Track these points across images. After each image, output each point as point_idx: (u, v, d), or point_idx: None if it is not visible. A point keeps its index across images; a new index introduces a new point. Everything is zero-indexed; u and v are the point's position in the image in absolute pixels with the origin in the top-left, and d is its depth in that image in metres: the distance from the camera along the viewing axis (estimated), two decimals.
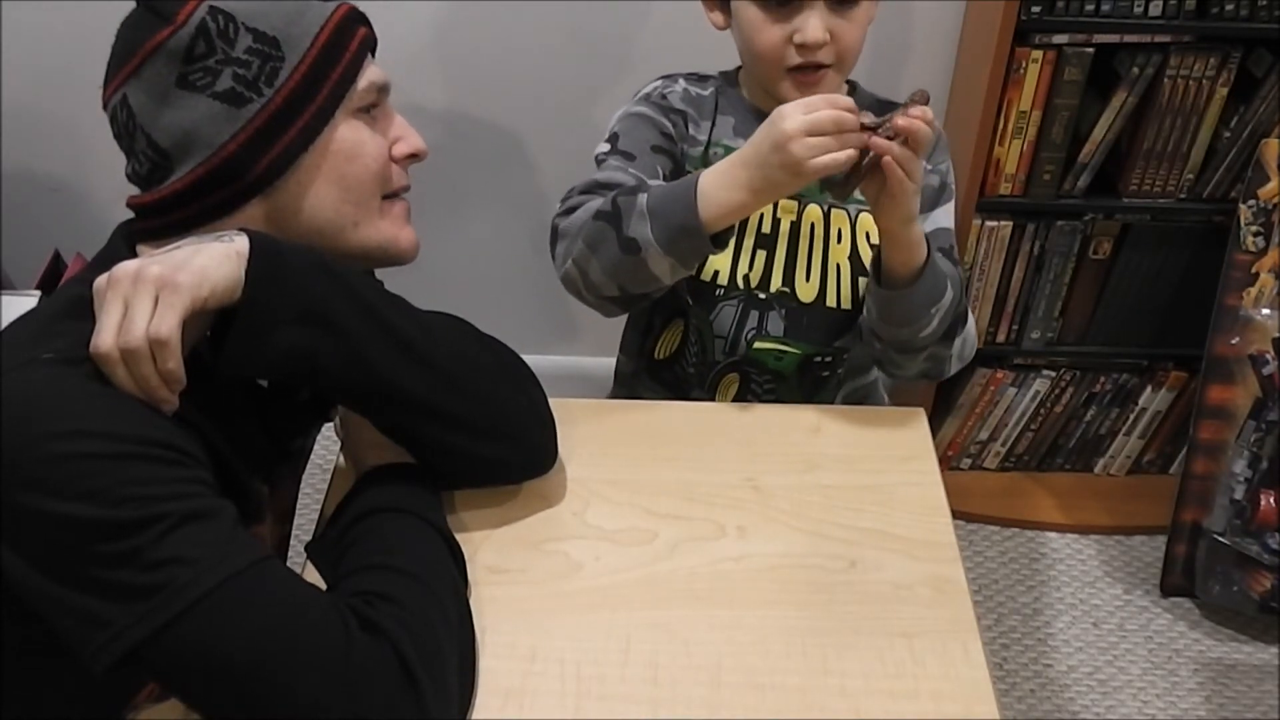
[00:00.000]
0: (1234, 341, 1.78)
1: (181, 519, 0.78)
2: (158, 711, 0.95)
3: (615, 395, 1.45)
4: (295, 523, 1.17)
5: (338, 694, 0.78)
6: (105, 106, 0.96)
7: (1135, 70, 1.68)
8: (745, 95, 1.29)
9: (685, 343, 1.32)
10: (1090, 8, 1.63)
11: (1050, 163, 1.77)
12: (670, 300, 1.27)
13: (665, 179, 1.22)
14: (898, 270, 1.12)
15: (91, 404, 0.80)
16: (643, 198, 1.10)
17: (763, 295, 1.26)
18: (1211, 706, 1.79)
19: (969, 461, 2.16)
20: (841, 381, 1.34)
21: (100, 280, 0.83)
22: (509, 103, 1.93)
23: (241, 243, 0.86)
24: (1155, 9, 1.63)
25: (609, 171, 1.20)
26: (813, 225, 1.26)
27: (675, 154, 1.25)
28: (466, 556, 0.97)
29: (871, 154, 1.02)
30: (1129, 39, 1.68)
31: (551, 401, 1.05)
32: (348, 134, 0.97)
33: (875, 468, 1.12)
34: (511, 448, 1.03)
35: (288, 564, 0.98)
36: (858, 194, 1.08)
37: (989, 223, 1.85)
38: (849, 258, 1.26)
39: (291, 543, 1.16)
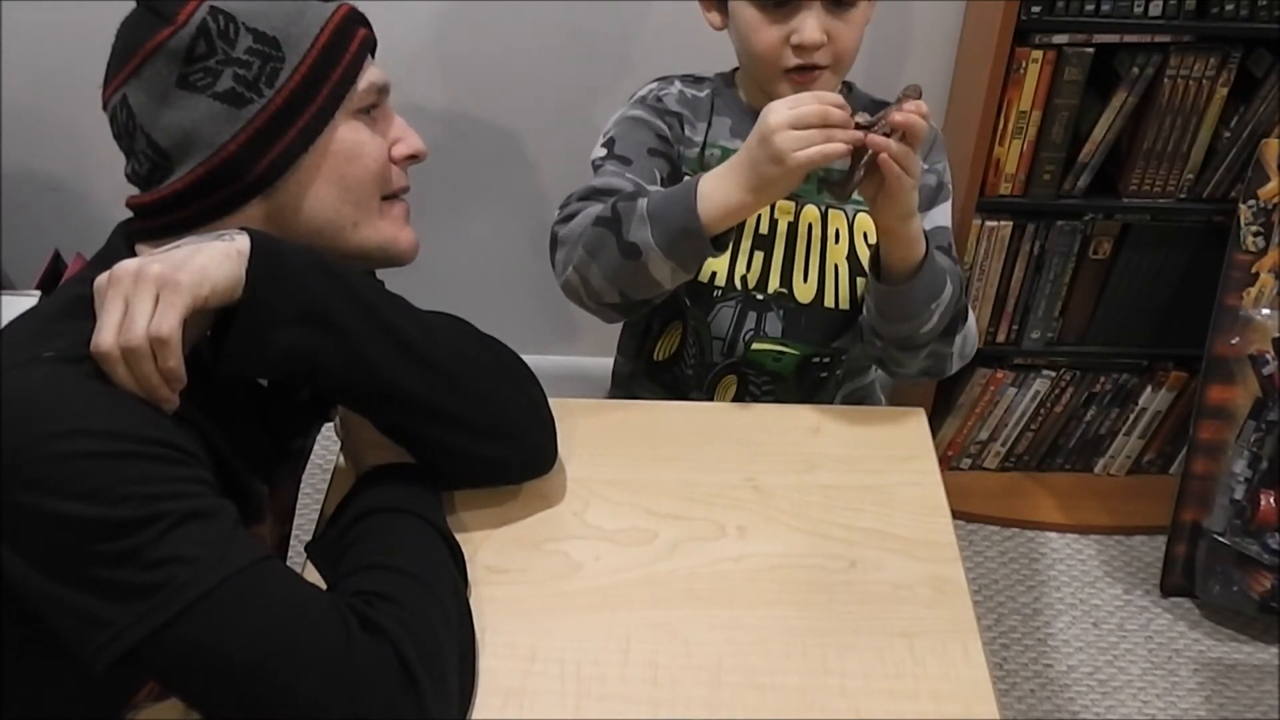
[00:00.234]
0: (1234, 341, 1.78)
1: (182, 518, 0.78)
2: (157, 711, 0.95)
3: (613, 397, 1.45)
4: (295, 523, 1.17)
5: (338, 693, 0.78)
6: (105, 106, 0.96)
7: (1135, 70, 1.68)
8: (742, 96, 1.29)
9: (683, 345, 1.32)
10: (1090, 8, 1.63)
11: (1050, 163, 1.77)
12: (668, 302, 1.27)
13: (662, 182, 1.22)
14: (897, 266, 1.12)
15: (92, 403, 0.80)
16: (643, 202, 1.10)
17: (760, 296, 1.26)
18: (1211, 706, 1.79)
19: (969, 461, 2.16)
20: (840, 383, 1.34)
21: (101, 279, 0.83)
22: (509, 103, 1.93)
23: (242, 242, 0.86)
24: (1155, 9, 1.63)
25: (606, 177, 1.20)
26: (810, 226, 1.26)
27: (672, 156, 1.25)
28: (466, 556, 0.97)
29: (870, 152, 1.02)
30: (1129, 39, 1.68)
31: (551, 401, 1.05)
32: (347, 135, 0.97)
33: (875, 468, 1.12)
34: (511, 448, 1.03)
35: (288, 564, 0.98)
36: (856, 194, 1.08)
37: (989, 223, 1.85)
38: (847, 258, 1.26)
39: (291, 543, 1.16)
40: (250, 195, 0.94)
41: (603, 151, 1.24)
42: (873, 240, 1.25)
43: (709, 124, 1.27)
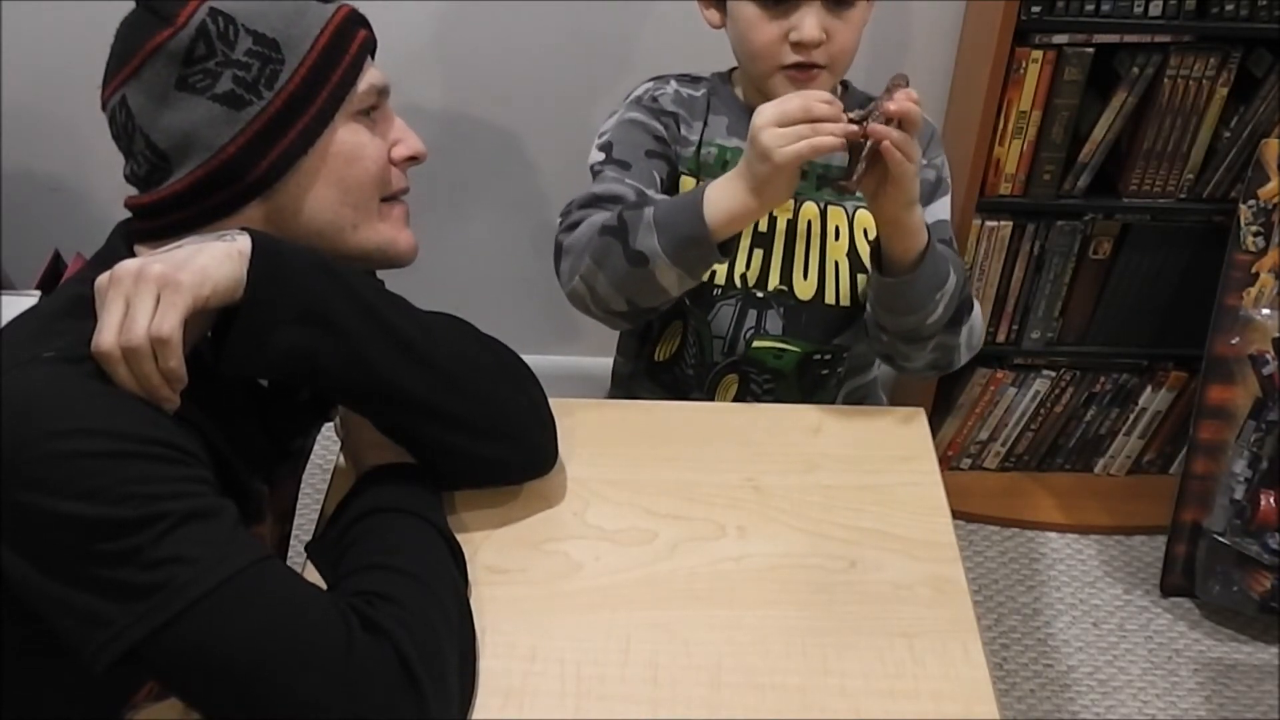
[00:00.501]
0: (1234, 341, 1.78)
1: (182, 518, 0.78)
2: (157, 710, 0.95)
3: (613, 397, 1.45)
4: (295, 523, 1.17)
5: (338, 693, 0.78)
6: (104, 107, 0.96)
7: (1135, 70, 1.68)
8: (739, 95, 1.29)
9: (684, 345, 1.32)
10: (1090, 8, 1.63)
11: (1050, 163, 1.77)
12: None
13: (661, 183, 1.23)
14: (900, 257, 1.12)
15: (92, 402, 0.80)
16: (649, 211, 1.11)
17: (760, 294, 1.27)
18: (1211, 706, 1.79)
19: (969, 461, 2.16)
20: (842, 380, 1.34)
21: (102, 279, 0.83)
22: (509, 103, 1.93)
23: (243, 242, 0.86)
24: (1155, 9, 1.63)
25: (607, 184, 1.20)
26: (809, 223, 1.26)
27: (669, 157, 1.25)
28: (466, 556, 0.97)
29: (870, 143, 1.02)
30: (1129, 39, 1.68)
31: (551, 401, 1.05)
32: (347, 137, 0.97)
33: (875, 468, 1.12)
34: (511, 448, 1.03)
35: (288, 564, 0.98)
36: (857, 193, 1.08)
37: (989, 223, 1.85)
38: (847, 255, 1.26)
39: (291, 543, 1.16)
40: (249, 197, 0.94)
41: (600, 156, 1.24)
42: (873, 236, 1.25)
43: (705, 122, 1.27)
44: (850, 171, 1.06)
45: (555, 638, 0.95)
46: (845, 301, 1.27)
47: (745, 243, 1.26)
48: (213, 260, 0.84)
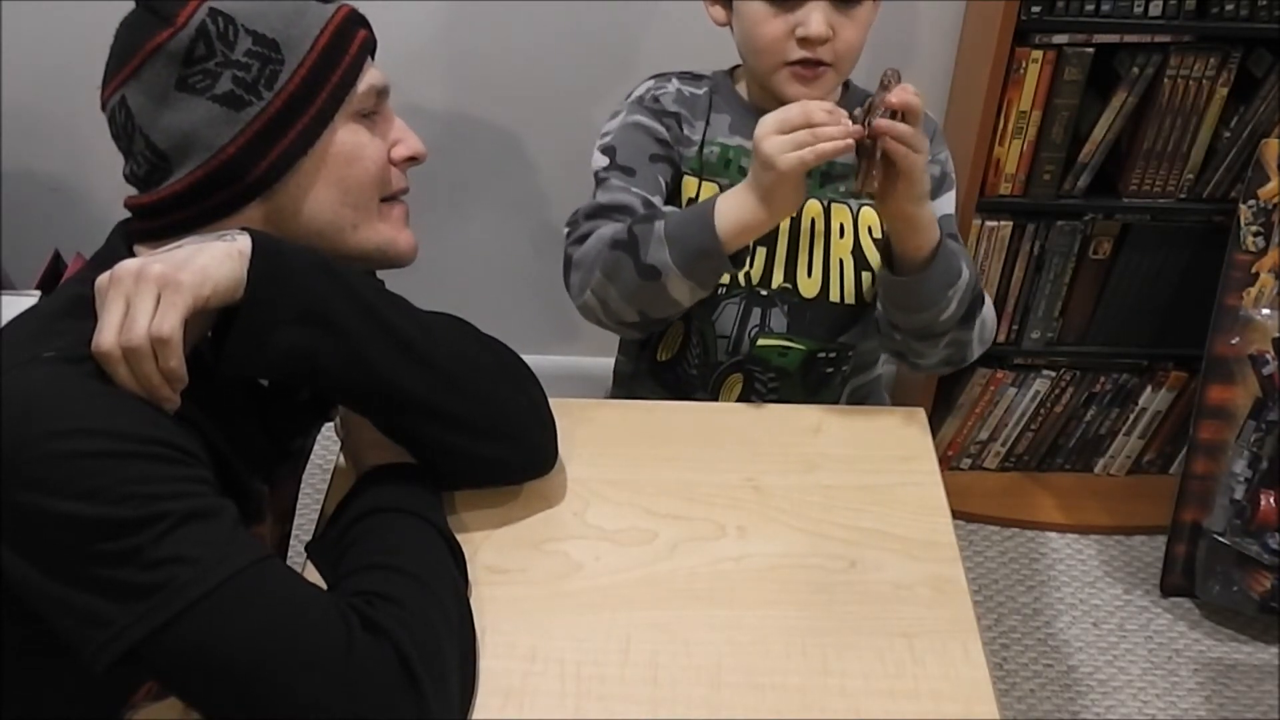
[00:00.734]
0: (1234, 341, 1.78)
1: (182, 518, 0.78)
2: (157, 710, 0.95)
3: (614, 396, 1.45)
4: (295, 523, 1.17)
5: (338, 693, 0.78)
6: (104, 107, 0.96)
7: (1135, 70, 1.68)
8: (742, 93, 1.29)
9: (686, 344, 1.32)
10: (1090, 8, 1.63)
11: (1050, 163, 1.77)
12: None
13: (666, 187, 1.23)
14: (912, 254, 1.12)
15: (92, 402, 0.80)
16: (659, 224, 1.11)
17: (764, 292, 1.27)
18: (1211, 706, 1.79)
19: (969, 461, 2.16)
20: (846, 379, 1.34)
21: (102, 279, 0.83)
22: (509, 103, 1.93)
23: (243, 242, 0.86)
24: (1155, 9, 1.63)
25: (613, 193, 1.20)
26: (813, 221, 1.26)
27: (673, 159, 1.25)
28: (466, 556, 0.97)
29: (877, 142, 1.02)
30: (1129, 39, 1.68)
31: (551, 401, 1.05)
32: (347, 137, 0.97)
33: (875, 468, 1.12)
34: (511, 448, 1.03)
35: (287, 564, 0.98)
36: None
37: (989, 223, 1.85)
38: (851, 252, 1.26)
39: (291, 542, 1.16)
40: (249, 197, 0.94)
41: (605, 161, 1.24)
42: (877, 234, 1.25)
43: (707, 121, 1.27)
44: (862, 175, 1.05)
45: (555, 638, 0.95)
46: (850, 300, 1.27)
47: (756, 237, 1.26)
48: (213, 260, 0.84)
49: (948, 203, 1.27)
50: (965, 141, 1.75)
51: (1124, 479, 2.17)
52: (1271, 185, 1.72)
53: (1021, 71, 1.68)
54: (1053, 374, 2.02)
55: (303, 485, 1.17)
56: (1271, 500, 1.76)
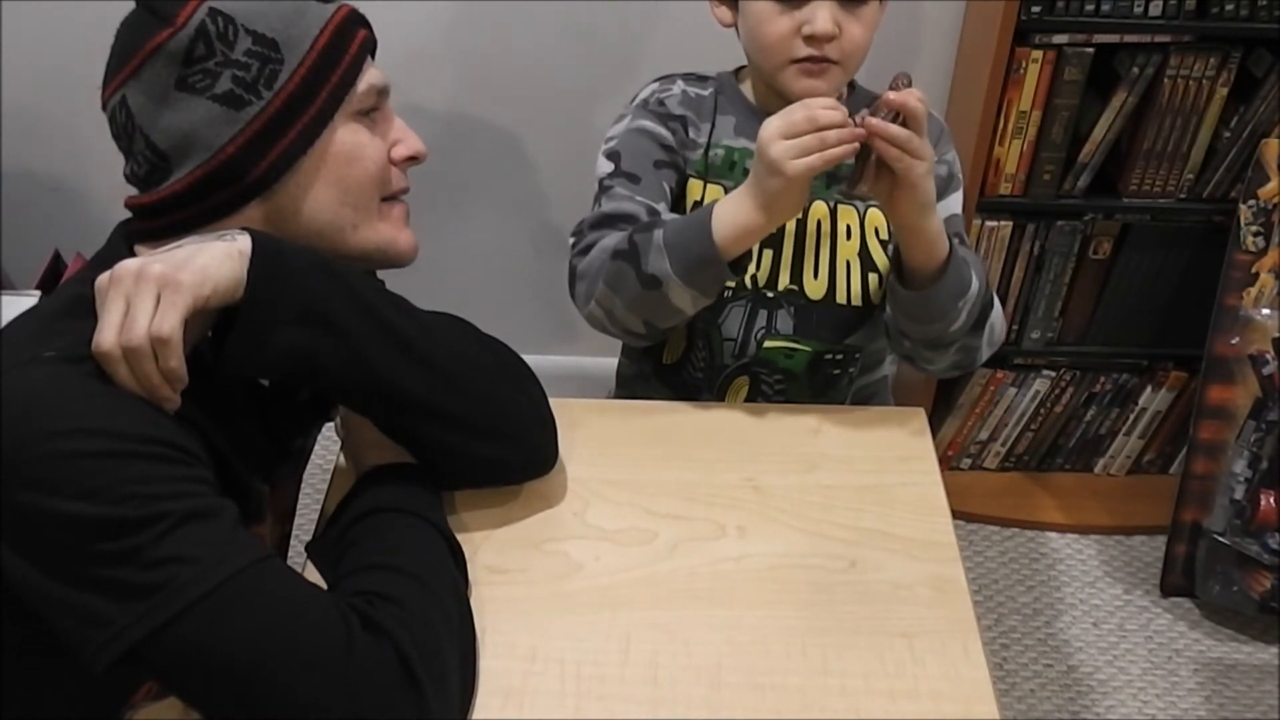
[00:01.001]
0: (1234, 341, 1.78)
1: (183, 518, 0.78)
2: (156, 710, 0.95)
3: (618, 398, 1.44)
4: (295, 523, 1.17)
5: (338, 693, 0.78)
6: (104, 107, 0.96)
7: (1135, 70, 1.68)
8: (747, 94, 1.28)
9: (692, 347, 1.31)
10: (1090, 8, 1.63)
11: (1050, 163, 1.77)
12: None
13: (671, 193, 1.23)
14: (920, 266, 1.11)
15: (93, 402, 0.80)
16: (658, 233, 1.11)
17: (771, 294, 1.26)
18: (1211, 706, 1.79)
19: (969, 461, 2.16)
20: (853, 380, 1.34)
21: (102, 278, 0.83)
22: (509, 103, 1.93)
23: (243, 242, 0.86)
24: (1155, 9, 1.63)
25: (617, 202, 1.20)
26: (819, 222, 1.26)
27: (678, 164, 1.25)
28: (467, 556, 0.97)
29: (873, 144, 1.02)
30: (1129, 39, 1.68)
31: (551, 401, 1.05)
32: (347, 137, 0.96)
33: (875, 468, 1.12)
34: (512, 448, 1.03)
35: (287, 564, 0.98)
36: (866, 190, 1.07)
37: (989, 223, 1.85)
38: (858, 254, 1.26)
39: (291, 542, 1.16)
40: (249, 197, 0.94)
41: (609, 167, 1.24)
42: (884, 236, 1.25)
43: (712, 124, 1.27)
44: (854, 176, 1.05)
45: (555, 638, 0.95)
46: (856, 301, 1.27)
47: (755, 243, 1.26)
48: (213, 260, 0.84)
49: (955, 203, 1.26)
50: (965, 141, 1.75)
51: (1124, 479, 2.16)
52: (1271, 185, 1.72)
53: (1021, 71, 1.68)
54: (1053, 374, 2.02)
55: (303, 485, 1.17)
56: (1271, 500, 1.76)
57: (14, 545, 0.78)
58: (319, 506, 1.07)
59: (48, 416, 0.78)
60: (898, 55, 1.85)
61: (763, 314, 1.27)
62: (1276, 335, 1.75)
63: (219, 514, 0.81)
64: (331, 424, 1.13)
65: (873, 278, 1.26)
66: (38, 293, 1.69)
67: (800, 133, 1.02)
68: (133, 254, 0.94)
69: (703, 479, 1.10)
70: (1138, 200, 1.81)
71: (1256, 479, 1.78)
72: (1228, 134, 1.74)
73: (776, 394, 1.30)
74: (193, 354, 0.84)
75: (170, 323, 0.81)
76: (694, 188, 1.26)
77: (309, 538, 1.02)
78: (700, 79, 1.30)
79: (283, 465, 1.07)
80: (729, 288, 1.25)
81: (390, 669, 0.80)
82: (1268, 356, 1.75)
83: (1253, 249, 1.75)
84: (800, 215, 1.25)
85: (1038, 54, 1.67)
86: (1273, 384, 1.75)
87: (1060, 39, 1.67)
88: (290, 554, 1.16)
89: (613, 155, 1.24)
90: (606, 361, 1.49)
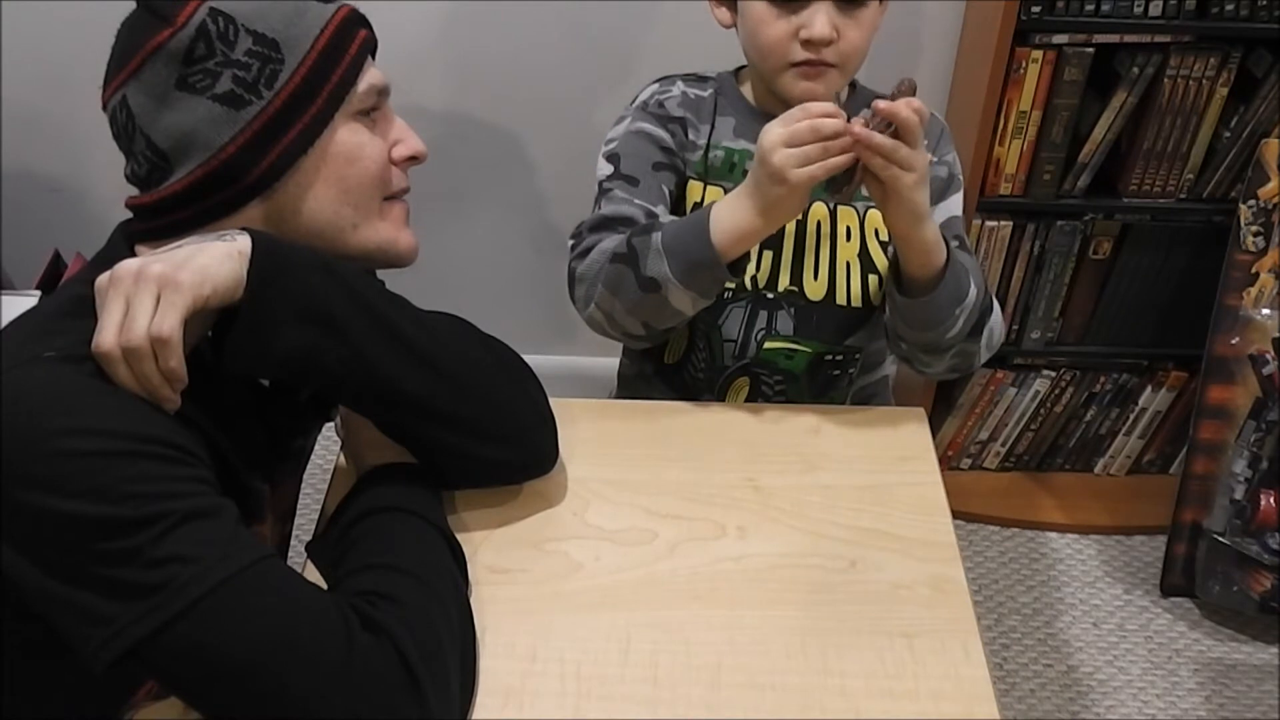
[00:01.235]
0: (1234, 341, 1.78)
1: (183, 517, 0.78)
2: (157, 710, 0.95)
3: (619, 398, 1.44)
4: (295, 522, 1.17)
5: (338, 693, 0.78)
6: (105, 107, 0.96)
7: (1135, 70, 1.68)
8: (747, 95, 1.28)
9: (692, 348, 1.32)
10: (1090, 8, 1.63)
11: (1050, 163, 1.77)
12: None
13: (670, 195, 1.23)
14: (916, 274, 1.12)
15: (93, 402, 0.80)
16: (657, 236, 1.11)
17: (771, 295, 1.26)
18: (1211, 706, 1.79)
19: (969, 461, 2.16)
20: (853, 380, 1.34)
21: (102, 279, 0.83)
22: (509, 103, 1.93)
23: (243, 242, 0.86)
24: (1155, 9, 1.63)
25: (615, 204, 1.20)
26: (819, 224, 1.26)
27: (677, 166, 1.25)
28: (467, 556, 0.97)
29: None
30: (1129, 39, 1.68)
31: (551, 401, 1.05)
32: (347, 137, 0.96)
33: (875, 468, 1.12)
34: (512, 448, 1.03)
35: (288, 563, 0.98)
36: (864, 190, 1.08)
37: (989, 223, 1.85)
38: (858, 255, 1.26)
39: (292, 542, 1.16)
40: (249, 197, 0.94)
41: (609, 169, 1.24)
42: (884, 237, 1.25)
43: (712, 125, 1.27)
44: (844, 179, 1.05)
45: (555, 638, 0.95)
46: (856, 302, 1.27)
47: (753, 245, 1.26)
48: (213, 260, 0.84)
49: (956, 204, 1.26)
50: (965, 141, 1.75)
51: (1124, 479, 2.16)
52: (1271, 185, 1.72)
53: (1021, 71, 1.68)
54: (1053, 374, 2.02)
55: (303, 485, 1.17)
56: (1271, 500, 1.76)
57: (15, 544, 0.78)
58: (319, 506, 1.07)
59: (48, 416, 0.78)
60: (898, 55, 1.85)
61: (763, 315, 1.27)
62: (1276, 335, 1.75)
63: (219, 513, 0.81)
64: (331, 424, 1.13)
65: (872, 279, 1.26)
66: (38, 293, 1.69)
67: (803, 142, 1.02)
68: (133, 254, 0.94)
69: (703, 479, 1.10)
70: (1138, 200, 1.81)
71: (1256, 479, 1.78)
72: (1228, 134, 1.74)
73: (777, 395, 1.30)
74: (193, 354, 0.84)
75: (170, 323, 0.81)
76: (694, 189, 1.26)
77: (309, 538, 1.02)
78: (700, 80, 1.30)
79: (283, 465, 1.07)
80: (729, 289, 1.25)
81: (390, 668, 0.80)
82: (1268, 356, 1.75)
83: (1253, 249, 1.75)
84: (800, 217, 1.25)
85: (1038, 54, 1.67)
86: (1273, 384, 1.75)
87: (1060, 39, 1.67)
88: (290, 554, 1.16)
89: (612, 158, 1.24)
90: (606, 361, 1.49)
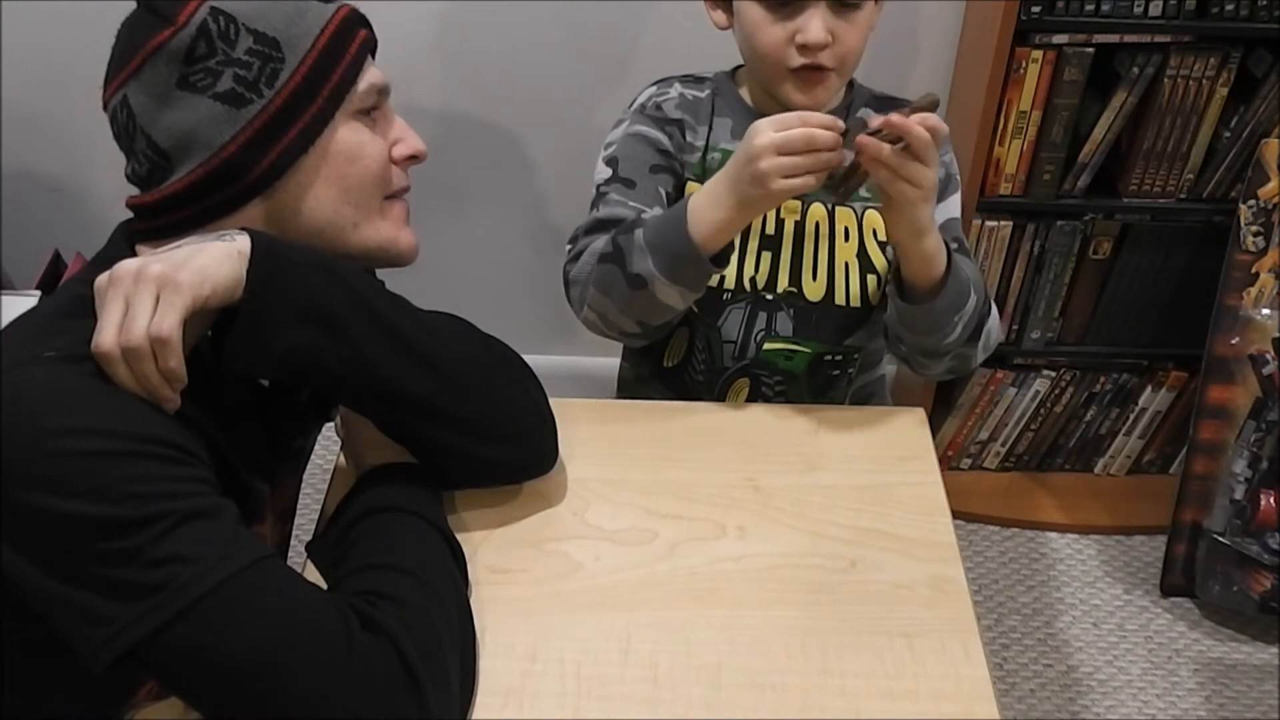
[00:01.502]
0: (1234, 341, 1.78)
1: (183, 517, 0.78)
2: (157, 710, 0.95)
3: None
4: (295, 522, 1.17)
5: (338, 693, 0.78)
6: (105, 107, 0.96)
7: (1135, 70, 1.68)
8: (745, 96, 1.28)
9: (692, 350, 1.32)
10: (1090, 8, 1.63)
11: (1050, 163, 1.77)
12: None
13: (667, 197, 1.23)
14: (916, 282, 1.12)
15: (93, 402, 0.80)
16: (639, 233, 1.12)
17: (770, 296, 1.26)
18: (1211, 706, 1.79)
19: (969, 461, 2.16)
20: (852, 380, 1.34)
21: (102, 279, 0.83)
22: (509, 103, 1.93)
23: (243, 242, 0.86)
24: (1155, 9, 1.63)
25: (610, 207, 1.21)
26: (817, 224, 1.26)
27: (675, 169, 1.25)
28: (467, 556, 0.97)
29: (853, 157, 1.02)
30: (1129, 39, 1.68)
31: (551, 401, 1.05)
32: (347, 136, 0.97)
33: (875, 468, 1.12)
34: (512, 448, 1.03)
35: (288, 563, 0.98)
36: (863, 191, 1.08)
37: (989, 223, 1.85)
38: (856, 255, 1.26)
39: (292, 542, 1.16)
40: (250, 196, 0.94)
41: (607, 173, 1.24)
42: (883, 237, 1.25)
43: (710, 126, 1.27)
44: (842, 181, 1.05)
45: (555, 638, 0.95)
46: (855, 302, 1.27)
47: (753, 245, 1.26)
48: (212, 260, 0.84)
49: (953, 206, 1.26)
50: (965, 141, 1.75)
51: (1124, 479, 2.16)
52: (1271, 185, 1.72)
53: (1021, 71, 1.68)
54: (1053, 374, 2.02)
55: (303, 485, 1.17)
56: (1271, 500, 1.76)
57: (15, 544, 0.78)
58: (319, 506, 1.07)
59: (48, 416, 0.78)
60: (898, 55, 1.85)
61: (762, 316, 1.27)
62: (1276, 335, 1.75)
63: (219, 513, 0.81)
64: (331, 424, 1.13)
65: (871, 279, 1.26)
66: (38, 293, 1.69)
67: (794, 150, 1.02)
68: (133, 254, 0.94)
69: (703, 479, 1.10)
70: (1138, 200, 1.81)
71: (1256, 479, 1.78)
72: (1228, 134, 1.74)
73: (777, 395, 1.30)
74: (193, 354, 0.84)
75: (169, 323, 0.81)
76: (692, 190, 1.26)
77: (309, 537, 1.02)
78: (697, 80, 1.30)
79: (283, 464, 1.07)
80: (728, 290, 1.25)
81: (390, 668, 0.80)
82: (1268, 356, 1.75)
83: (1253, 249, 1.75)
84: (798, 217, 1.26)
85: (1038, 54, 1.67)
86: (1273, 384, 1.75)
87: (1060, 39, 1.66)
88: (290, 554, 1.16)
89: (610, 161, 1.25)
90: (607, 362, 1.49)
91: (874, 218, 1.26)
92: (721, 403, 1.31)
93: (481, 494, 1.06)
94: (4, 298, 1.61)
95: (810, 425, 1.18)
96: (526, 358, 1.05)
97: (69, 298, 0.91)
